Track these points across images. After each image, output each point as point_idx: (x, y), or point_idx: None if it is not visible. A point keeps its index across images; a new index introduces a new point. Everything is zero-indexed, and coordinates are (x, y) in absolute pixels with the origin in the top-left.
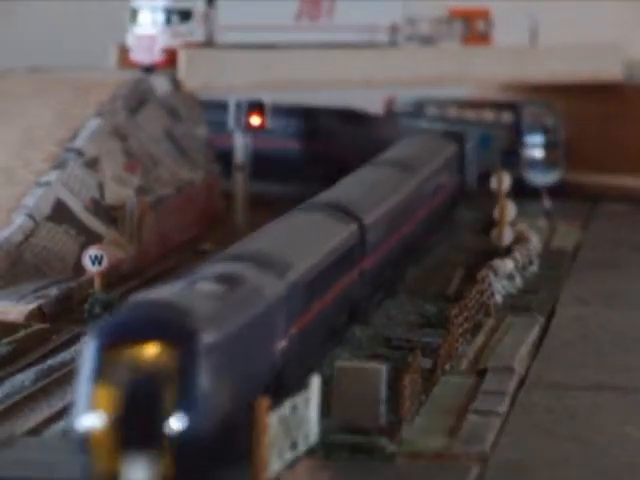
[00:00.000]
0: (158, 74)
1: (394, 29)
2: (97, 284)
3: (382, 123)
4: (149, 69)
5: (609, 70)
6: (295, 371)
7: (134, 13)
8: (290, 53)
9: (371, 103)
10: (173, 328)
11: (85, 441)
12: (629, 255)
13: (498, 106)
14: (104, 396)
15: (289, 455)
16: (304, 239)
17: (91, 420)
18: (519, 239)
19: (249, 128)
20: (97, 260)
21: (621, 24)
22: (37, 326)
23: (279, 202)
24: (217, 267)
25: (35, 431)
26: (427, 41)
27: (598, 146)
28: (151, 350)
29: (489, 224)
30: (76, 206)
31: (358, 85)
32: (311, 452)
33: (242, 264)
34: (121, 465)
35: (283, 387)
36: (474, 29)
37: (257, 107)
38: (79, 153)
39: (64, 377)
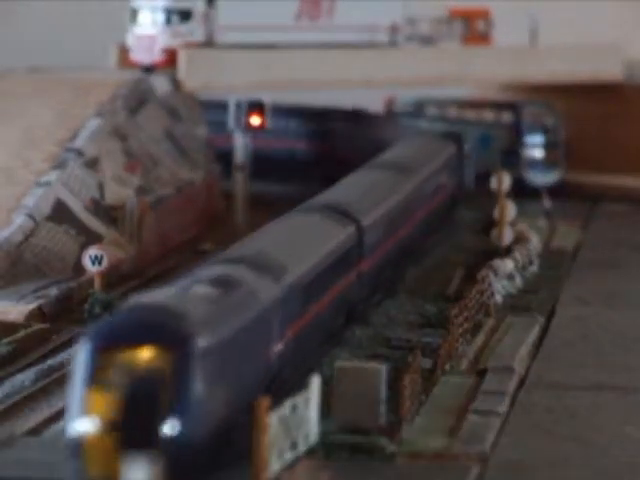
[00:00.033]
0: (158, 74)
1: (394, 29)
2: (97, 284)
3: (383, 123)
4: (149, 69)
5: (609, 70)
6: (292, 374)
7: (134, 13)
8: (290, 53)
9: (371, 103)
10: (167, 332)
11: (79, 445)
12: (629, 255)
13: (498, 106)
14: (98, 400)
15: (289, 455)
16: (301, 241)
17: (85, 424)
18: (519, 239)
19: (249, 128)
20: (97, 260)
21: (621, 24)
22: (37, 326)
23: (279, 202)
24: (212, 270)
25: (35, 431)
26: (427, 41)
27: (598, 146)
28: (145, 354)
29: (489, 224)
30: (76, 206)
31: (358, 85)
32: (311, 452)
33: (238, 267)
34: (116, 469)
35: (279, 390)
36: (474, 29)
37: (257, 107)
38: (79, 153)
39: (64, 377)
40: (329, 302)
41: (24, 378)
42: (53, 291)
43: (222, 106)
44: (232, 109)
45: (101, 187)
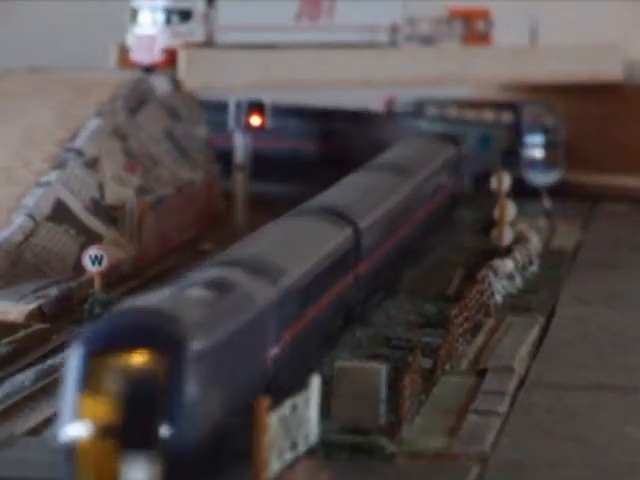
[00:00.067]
0: (158, 74)
1: (394, 29)
2: (97, 284)
3: (388, 123)
4: (149, 69)
5: (609, 70)
6: (289, 378)
7: (134, 13)
8: (290, 53)
9: (371, 103)
10: (161, 335)
11: (71, 450)
12: (629, 255)
13: (498, 106)
14: (90, 405)
15: (289, 455)
16: (298, 244)
17: (77, 429)
18: (519, 239)
19: (249, 128)
20: (97, 260)
21: (621, 24)
22: (37, 326)
23: (279, 202)
24: (207, 273)
25: (35, 431)
26: (427, 41)
27: (598, 146)
28: (138, 358)
29: (489, 224)
30: (76, 206)
31: (358, 85)
32: (311, 452)
33: (233, 270)
34: (109, 474)
35: (277, 394)
36: (474, 29)
37: (257, 107)
38: (79, 153)
39: (64, 377)
40: (326, 305)
41: (24, 378)
42: (53, 291)
43: (222, 106)
44: (232, 109)
45: (101, 187)
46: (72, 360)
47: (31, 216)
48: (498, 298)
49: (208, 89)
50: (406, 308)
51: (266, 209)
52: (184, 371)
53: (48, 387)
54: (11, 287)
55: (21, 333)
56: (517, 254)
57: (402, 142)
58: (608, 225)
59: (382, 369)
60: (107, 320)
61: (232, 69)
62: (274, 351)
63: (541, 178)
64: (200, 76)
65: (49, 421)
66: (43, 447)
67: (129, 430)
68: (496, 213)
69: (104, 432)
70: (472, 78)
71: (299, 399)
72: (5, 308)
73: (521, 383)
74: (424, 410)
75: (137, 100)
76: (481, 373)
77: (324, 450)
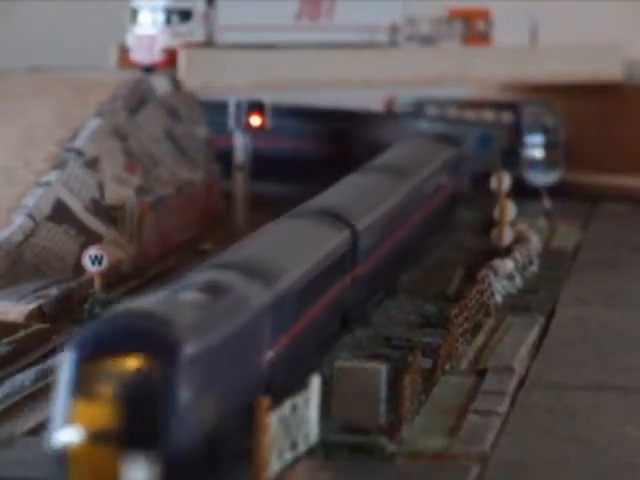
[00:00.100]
0: (158, 74)
1: (394, 29)
2: (97, 284)
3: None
4: (149, 69)
5: (609, 70)
6: (285, 381)
7: (134, 13)
8: (290, 53)
9: (371, 103)
10: (154, 339)
11: (62, 456)
12: (629, 255)
13: (498, 106)
14: (82, 410)
15: (289, 455)
16: (294, 246)
17: (69, 435)
18: (519, 239)
19: (249, 128)
20: (97, 260)
21: (621, 24)
22: (37, 326)
23: (279, 202)
24: (202, 275)
25: (35, 431)
26: (427, 41)
27: (598, 146)
28: (131, 362)
29: (489, 224)
30: (76, 206)
31: (358, 85)
32: (311, 452)
33: (228, 272)
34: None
35: (274, 398)
36: (474, 29)
37: (257, 107)
38: (79, 153)
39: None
40: (323, 308)
41: (24, 378)
42: (53, 291)
43: (222, 106)
44: (232, 109)
45: (101, 187)
46: (64, 364)
47: (31, 216)
48: (498, 298)
49: (208, 89)
50: (406, 308)
51: (266, 209)
52: (177, 375)
53: (48, 387)
54: (11, 287)
55: (21, 333)
56: (517, 254)
57: (401, 143)
58: (608, 225)
59: (382, 369)
60: (99, 324)
61: (232, 69)
62: (270, 355)
63: (541, 178)
64: (200, 76)
65: (49, 421)
66: (43, 447)
67: (125, 435)
68: (496, 213)
69: (97, 437)
70: (472, 78)
71: (299, 399)
72: (5, 308)
73: (521, 383)
74: (424, 410)
75: (137, 100)
76: (481, 373)
77: (324, 450)
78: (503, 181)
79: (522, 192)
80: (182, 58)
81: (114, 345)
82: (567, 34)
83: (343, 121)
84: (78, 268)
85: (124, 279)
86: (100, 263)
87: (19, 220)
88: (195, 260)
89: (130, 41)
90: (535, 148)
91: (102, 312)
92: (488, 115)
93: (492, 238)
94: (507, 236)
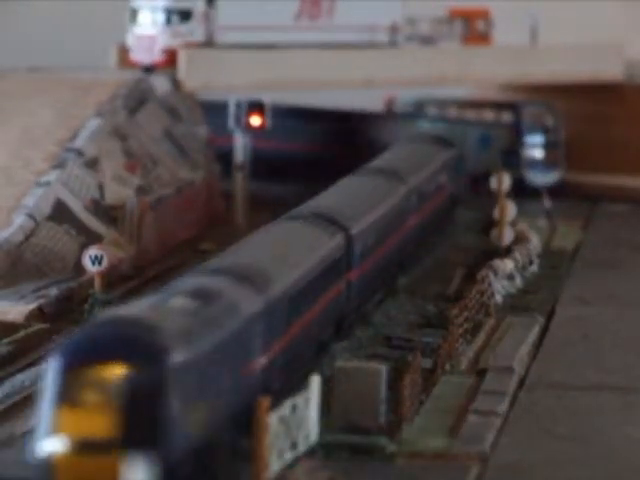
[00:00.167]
0: (158, 74)
1: (394, 29)
2: (97, 284)
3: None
4: (149, 69)
5: (609, 70)
6: (279, 387)
7: (134, 13)
8: (290, 53)
9: (371, 103)
10: (140, 346)
11: (47, 466)
12: (629, 255)
13: (498, 106)
14: (68, 419)
15: (289, 455)
16: (287, 250)
17: (54, 444)
18: (519, 239)
19: (249, 128)
20: (97, 260)
21: (621, 24)
22: (37, 326)
23: (279, 202)
24: (192, 281)
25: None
26: (427, 41)
27: (598, 146)
28: (116, 370)
29: (489, 224)
30: (76, 206)
31: (358, 85)
32: (311, 452)
33: (218, 278)
34: None
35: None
36: (474, 29)
37: (257, 107)
38: (79, 153)
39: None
40: (318, 313)
41: (24, 378)
42: (53, 291)
43: (222, 106)
44: (232, 109)
45: (101, 187)
46: (49, 372)
47: (31, 216)
48: (498, 298)
49: (208, 89)
50: (406, 308)
51: (266, 209)
52: (164, 383)
53: None
54: (11, 287)
55: (21, 333)
56: (517, 254)
57: (396, 146)
58: (608, 225)
59: (382, 369)
60: (85, 331)
61: (232, 69)
62: (262, 361)
63: (541, 178)
64: (200, 76)
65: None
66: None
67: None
68: (496, 213)
69: (82, 447)
70: (472, 78)
71: (299, 399)
72: (5, 308)
73: (521, 383)
74: (424, 410)
75: (137, 100)
76: (481, 373)
77: (324, 450)
78: (503, 181)
79: (522, 192)
80: (182, 58)
81: (100, 353)
82: (567, 34)
83: (343, 121)
84: (78, 268)
85: (124, 279)
86: (100, 263)
87: (19, 220)
88: (195, 260)
89: (130, 41)
90: (535, 148)
91: (102, 312)
92: (488, 115)
93: (492, 238)
94: (507, 236)
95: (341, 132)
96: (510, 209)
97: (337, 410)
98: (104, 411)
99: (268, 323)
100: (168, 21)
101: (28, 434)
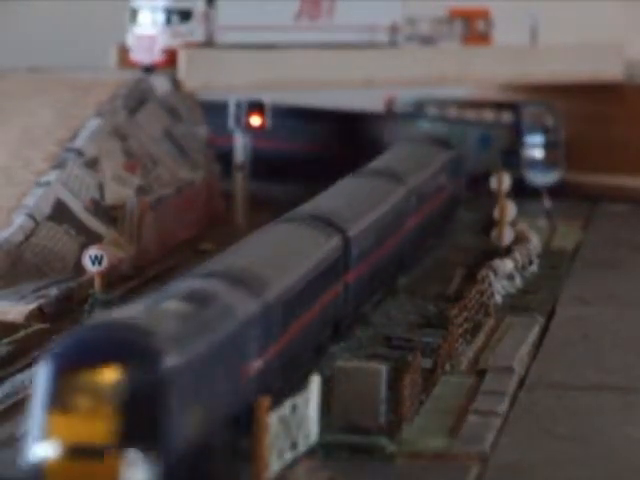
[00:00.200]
0: (158, 74)
1: (394, 29)
2: (97, 284)
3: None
4: (149, 69)
5: (609, 70)
6: (277, 389)
7: (134, 13)
8: (290, 53)
9: (371, 103)
10: (134, 350)
11: (38, 471)
12: (629, 255)
13: (498, 106)
14: (59, 424)
15: (289, 455)
16: (284, 253)
17: (45, 449)
18: (519, 239)
19: (249, 128)
20: (97, 260)
21: (621, 24)
22: (37, 326)
23: (279, 202)
24: (187, 284)
25: None
26: (427, 41)
27: (598, 146)
28: (109, 374)
29: (489, 224)
30: (76, 206)
31: (358, 85)
32: (311, 452)
33: (213, 281)
34: None
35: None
36: (474, 29)
37: (257, 107)
38: (79, 153)
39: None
40: (315, 316)
41: (24, 378)
42: (53, 291)
43: (222, 106)
44: (232, 109)
45: (101, 187)
46: (40, 376)
47: (31, 216)
48: (498, 298)
49: (208, 89)
50: (406, 308)
51: (266, 209)
52: (158, 388)
53: None
54: (11, 287)
55: (21, 333)
56: (517, 254)
57: (396, 147)
58: (608, 225)
59: (382, 369)
60: (77, 334)
61: (232, 69)
62: (259, 364)
63: (541, 178)
64: (200, 76)
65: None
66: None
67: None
68: (496, 213)
69: (74, 452)
70: (472, 78)
71: (299, 399)
72: (5, 308)
73: (521, 383)
74: (424, 410)
75: (137, 100)
76: (481, 373)
77: (324, 450)
78: (503, 181)
79: (522, 192)
80: (182, 58)
81: (93, 356)
82: (567, 34)
83: (343, 121)
84: (78, 268)
85: (124, 279)
86: (100, 263)
87: (19, 220)
88: (195, 260)
89: (130, 41)
90: (535, 148)
91: (102, 312)
92: (488, 115)
93: (492, 238)
94: (507, 236)
95: (341, 132)
96: (510, 209)
97: (337, 410)
98: (96, 416)
99: (264, 326)
100: (168, 21)
101: (26, 435)
